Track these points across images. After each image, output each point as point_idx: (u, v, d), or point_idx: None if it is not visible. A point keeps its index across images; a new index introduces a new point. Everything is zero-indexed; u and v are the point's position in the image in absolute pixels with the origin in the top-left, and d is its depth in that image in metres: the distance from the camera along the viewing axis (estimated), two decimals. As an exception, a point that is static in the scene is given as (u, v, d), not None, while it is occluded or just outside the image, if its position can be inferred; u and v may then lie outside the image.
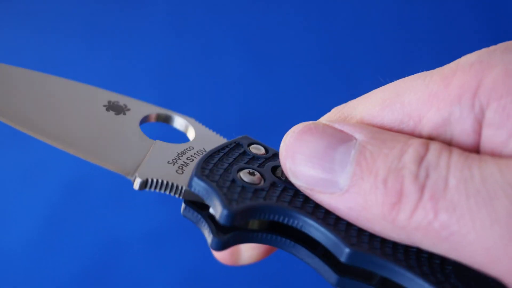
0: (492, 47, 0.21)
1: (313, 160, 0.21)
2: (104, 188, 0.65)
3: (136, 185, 0.23)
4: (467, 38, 0.67)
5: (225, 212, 0.21)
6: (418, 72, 0.23)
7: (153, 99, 0.67)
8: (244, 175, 0.23)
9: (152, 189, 0.23)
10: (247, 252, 0.29)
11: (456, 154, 0.20)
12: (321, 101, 0.66)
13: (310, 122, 0.22)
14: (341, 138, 0.21)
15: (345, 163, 0.20)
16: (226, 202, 0.21)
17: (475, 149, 0.21)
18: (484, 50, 0.21)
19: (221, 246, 0.22)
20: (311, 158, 0.21)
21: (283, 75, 0.68)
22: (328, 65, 0.68)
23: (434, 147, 0.20)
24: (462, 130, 0.21)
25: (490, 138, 0.20)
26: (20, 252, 0.63)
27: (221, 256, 0.29)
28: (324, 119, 0.26)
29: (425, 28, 0.68)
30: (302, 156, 0.21)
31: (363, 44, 0.68)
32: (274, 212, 0.22)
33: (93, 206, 0.64)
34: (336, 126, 0.22)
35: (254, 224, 0.23)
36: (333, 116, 0.25)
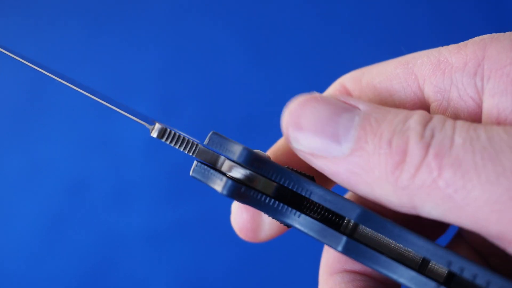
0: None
1: (316, 125, 0.21)
2: (104, 188, 0.65)
3: (155, 133, 0.24)
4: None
5: (245, 151, 0.22)
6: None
7: (153, 99, 0.68)
8: None
9: (168, 141, 0.23)
10: (267, 225, 0.28)
11: (460, 121, 0.20)
12: None
13: (315, 92, 0.22)
14: (346, 107, 0.21)
15: (349, 127, 0.20)
16: (246, 147, 0.22)
17: (473, 121, 0.21)
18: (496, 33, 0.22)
19: (234, 190, 0.22)
20: (315, 123, 0.21)
21: (283, 75, 0.68)
22: (328, 65, 0.68)
23: (438, 116, 0.20)
24: (462, 98, 0.22)
25: (494, 107, 0.21)
26: (21, 252, 0.63)
27: (242, 226, 0.27)
28: (339, 81, 0.27)
29: (428, 28, 0.68)
30: (305, 121, 0.21)
31: (364, 44, 0.68)
32: (284, 174, 0.22)
33: (93, 206, 0.64)
34: (341, 97, 0.22)
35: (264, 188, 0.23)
36: (347, 79, 0.26)
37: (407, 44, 0.68)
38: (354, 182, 0.20)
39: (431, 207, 0.19)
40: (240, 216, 0.27)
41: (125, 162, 0.66)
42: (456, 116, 0.23)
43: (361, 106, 0.21)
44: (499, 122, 0.21)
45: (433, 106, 0.24)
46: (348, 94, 0.27)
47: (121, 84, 0.68)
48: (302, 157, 0.22)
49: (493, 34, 0.22)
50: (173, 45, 0.69)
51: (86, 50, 0.69)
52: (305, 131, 0.21)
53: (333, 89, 0.28)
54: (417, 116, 0.20)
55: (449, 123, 0.19)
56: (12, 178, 0.65)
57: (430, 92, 0.23)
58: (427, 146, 0.19)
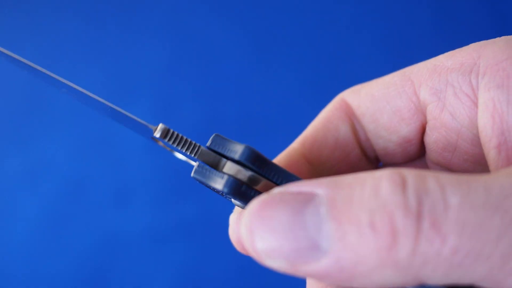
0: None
1: (284, 234, 0.18)
2: (104, 188, 0.65)
3: (158, 132, 0.24)
4: (468, 39, 0.67)
5: (248, 149, 0.21)
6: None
7: (153, 99, 0.68)
8: None
9: (171, 142, 0.23)
10: None
11: (444, 174, 0.17)
12: (321, 100, 0.66)
13: (263, 195, 0.19)
14: (304, 200, 0.18)
15: (319, 223, 0.18)
16: (248, 145, 0.22)
17: (470, 119, 0.22)
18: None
19: (235, 187, 0.21)
20: (281, 232, 0.18)
21: (283, 75, 0.68)
22: (328, 65, 0.68)
23: (413, 173, 0.17)
24: (457, 96, 0.22)
25: (490, 100, 0.21)
26: (20, 251, 0.63)
27: (239, 239, 0.25)
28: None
29: (428, 29, 0.68)
30: (270, 234, 0.18)
31: (365, 44, 0.68)
32: (286, 176, 0.22)
33: (93, 206, 0.64)
34: (292, 189, 0.19)
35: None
36: (347, 93, 0.26)
37: (407, 44, 0.68)
38: (349, 278, 0.18)
39: (440, 278, 0.17)
40: (238, 228, 0.25)
41: (125, 162, 0.66)
42: (452, 116, 0.23)
43: (319, 190, 0.18)
44: (495, 116, 0.20)
45: (429, 108, 0.24)
46: (348, 107, 0.27)
47: (121, 84, 0.68)
48: (285, 273, 0.19)
49: (486, 41, 0.22)
50: (173, 45, 0.69)
51: (86, 50, 0.69)
52: (274, 244, 0.18)
53: (333, 105, 0.27)
54: (387, 183, 0.17)
55: (432, 180, 0.17)
56: (12, 178, 0.65)
57: (426, 95, 0.23)
58: (418, 217, 0.17)
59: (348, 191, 0.18)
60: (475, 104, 0.22)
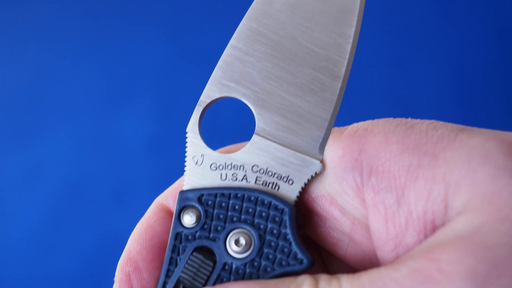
0: (376, 119, 0.22)
1: None
2: (104, 188, 0.65)
3: None
4: (468, 40, 0.67)
5: None
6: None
7: (152, 99, 0.68)
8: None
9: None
10: None
11: (344, 275, 0.20)
12: None
13: None
14: None
15: None
16: None
17: (360, 215, 0.22)
18: (369, 120, 0.22)
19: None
20: None
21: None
22: None
23: (323, 277, 0.20)
24: (344, 191, 0.22)
25: (380, 203, 0.21)
26: (20, 251, 0.63)
27: None
28: None
29: (425, 29, 0.68)
30: None
31: (365, 44, 0.68)
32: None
33: (93, 206, 0.64)
34: None
35: None
36: None
37: (407, 44, 0.68)
38: None
39: None
40: None
41: (125, 162, 0.66)
42: (342, 212, 0.23)
43: None
44: (387, 219, 0.21)
45: (322, 202, 0.24)
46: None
47: (121, 84, 0.68)
48: None
49: (367, 123, 0.22)
50: (173, 45, 0.69)
51: (86, 51, 0.69)
52: None
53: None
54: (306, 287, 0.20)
55: (335, 281, 0.20)
56: (12, 178, 0.65)
57: (329, 180, 0.23)
58: None
59: None
60: (363, 201, 0.22)
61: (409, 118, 0.22)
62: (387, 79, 0.67)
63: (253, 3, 0.23)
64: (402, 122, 0.22)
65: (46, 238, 0.64)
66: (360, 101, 0.66)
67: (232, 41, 0.23)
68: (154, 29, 0.70)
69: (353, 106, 0.66)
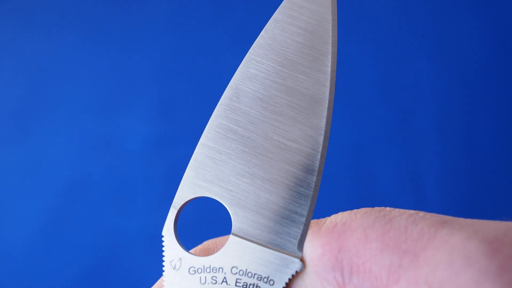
0: (354, 210, 0.22)
1: None
2: (104, 188, 0.65)
3: None
4: (468, 40, 0.66)
5: None
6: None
7: (153, 99, 0.67)
8: None
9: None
10: None
11: None
12: None
13: None
14: None
15: None
16: None
17: None
18: (347, 212, 0.22)
19: None
20: None
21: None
22: None
23: None
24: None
25: None
26: (20, 252, 0.64)
27: None
28: None
29: (425, 29, 0.67)
30: None
31: (364, 45, 0.67)
32: None
33: (93, 206, 0.65)
34: None
35: None
36: None
37: (406, 45, 0.67)
38: None
39: None
40: None
41: (125, 162, 0.66)
42: None
43: None
44: None
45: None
46: None
47: (122, 84, 0.68)
48: None
49: (345, 217, 0.22)
50: (173, 45, 0.69)
51: (88, 50, 0.69)
52: None
53: None
54: None
55: None
56: (12, 178, 0.66)
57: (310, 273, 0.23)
58: None
59: None
60: None
61: (388, 209, 0.22)
62: (388, 79, 0.66)
63: (221, 99, 0.23)
64: (381, 215, 0.21)
65: (46, 238, 0.64)
66: (360, 101, 0.65)
67: (202, 139, 0.23)
68: (155, 29, 0.69)
69: (354, 106, 0.66)
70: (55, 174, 0.65)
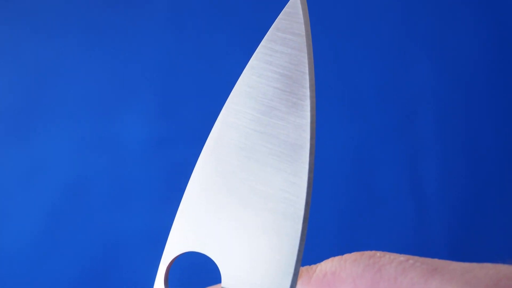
0: (344, 257, 0.22)
1: None
2: (104, 188, 0.65)
3: None
4: (468, 40, 0.65)
5: None
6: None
7: (153, 99, 0.67)
8: None
9: None
10: None
11: None
12: (320, 100, 0.65)
13: None
14: None
15: None
16: None
17: None
18: (337, 259, 0.22)
19: None
20: None
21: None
22: (328, 66, 0.67)
23: None
24: None
25: None
26: (21, 252, 0.64)
27: None
28: None
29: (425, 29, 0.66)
30: None
31: (364, 45, 0.67)
32: None
33: (92, 206, 0.65)
34: None
35: None
36: None
37: (405, 46, 0.66)
38: None
39: None
40: None
41: (125, 162, 0.66)
42: None
43: None
44: None
45: None
46: None
47: (122, 84, 0.68)
48: None
49: (334, 265, 0.22)
50: (174, 45, 0.69)
51: (88, 49, 0.69)
52: None
53: None
54: None
55: None
56: (11, 178, 0.66)
57: None
58: None
59: None
60: None
61: (378, 254, 0.22)
62: (388, 81, 0.65)
63: (202, 152, 0.23)
64: (370, 264, 0.21)
65: (45, 239, 0.65)
66: (360, 103, 0.65)
67: (186, 194, 0.23)
68: (155, 28, 0.69)
69: (354, 106, 0.65)
70: (54, 174, 0.65)
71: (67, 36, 0.69)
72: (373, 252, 0.22)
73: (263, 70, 0.22)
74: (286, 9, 0.22)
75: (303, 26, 0.22)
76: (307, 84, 0.22)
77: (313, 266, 0.22)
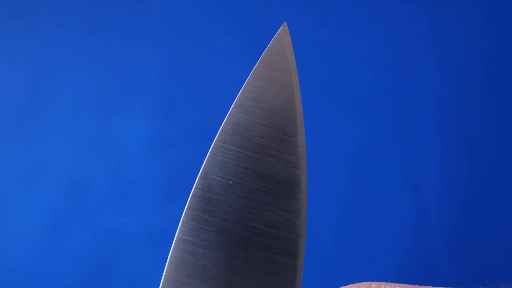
0: None
1: None
2: (104, 188, 0.65)
3: None
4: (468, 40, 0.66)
5: None
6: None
7: (154, 99, 0.67)
8: None
9: None
10: None
11: None
12: (320, 100, 0.65)
13: None
14: None
15: None
16: None
17: None
18: None
19: None
20: None
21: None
22: (327, 66, 0.67)
23: None
24: None
25: None
26: (20, 251, 0.64)
27: None
28: None
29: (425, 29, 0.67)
30: None
31: (364, 46, 0.67)
32: None
33: (93, 206, 0.65)
34: None
35: None
36: None
37: (406, 46, 0.66)
38: None
39: None
40: None
41: (125, 162, 0.66)
42: None
43: None
44: None
45: None
46: None
47: (122, 84, 0.67)
48: None
49: None
50: (174, 44, 0.68)
51: (87, 50, 0.68)
52: None
53: None
54: None
55: None
56: (11, 178, 0.66)
57: None
58: None
59: None
60: None
61: (374, 285, 0.22)
62: (389, 82, 0.66)
63: (192, 190, 0.22)
64: None
65: (45, 239, 0.64)
66: (361, 101, 0.65)
67: (178, 234, 0.22)
68: (157, 28, 0.68)
69: (355, 107, 0.65)
70: (55, 174, 0.65)
71: (68, 36, 0.68)
72: (368, 283, 0.22)
73: (250, 108, 0.22)
74: (270, 45, 0.22)
75: (289, 63, 0.21)
76: (296, 121, 0.21)
77: None
